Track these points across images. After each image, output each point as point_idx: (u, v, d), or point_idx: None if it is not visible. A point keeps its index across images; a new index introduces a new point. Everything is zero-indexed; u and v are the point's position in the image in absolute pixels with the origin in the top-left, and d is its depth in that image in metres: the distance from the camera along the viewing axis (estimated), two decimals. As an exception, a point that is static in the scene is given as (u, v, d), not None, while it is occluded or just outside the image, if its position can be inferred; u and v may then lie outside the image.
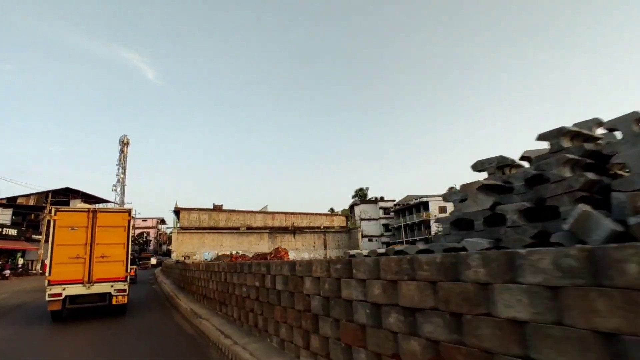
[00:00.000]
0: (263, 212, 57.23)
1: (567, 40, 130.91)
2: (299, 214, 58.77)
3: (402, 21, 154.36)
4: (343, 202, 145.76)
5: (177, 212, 53.06)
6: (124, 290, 11.21)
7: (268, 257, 11.60)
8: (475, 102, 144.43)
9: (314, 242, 58.00)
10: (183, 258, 17.22)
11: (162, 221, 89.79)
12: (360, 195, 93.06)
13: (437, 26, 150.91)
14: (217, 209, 56.48)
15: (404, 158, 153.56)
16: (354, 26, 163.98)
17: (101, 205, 53.76)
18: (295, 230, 55.87)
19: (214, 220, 54.81)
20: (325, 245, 58.46)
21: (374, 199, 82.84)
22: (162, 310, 13.42)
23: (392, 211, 79.89)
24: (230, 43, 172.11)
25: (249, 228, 55.70)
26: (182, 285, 16.02)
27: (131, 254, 12.33)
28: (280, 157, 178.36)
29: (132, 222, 11.96)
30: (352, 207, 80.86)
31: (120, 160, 64.63)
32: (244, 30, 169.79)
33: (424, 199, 67.13)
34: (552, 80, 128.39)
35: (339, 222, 60.33)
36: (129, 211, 12.00)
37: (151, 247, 77.49)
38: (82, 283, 10.68)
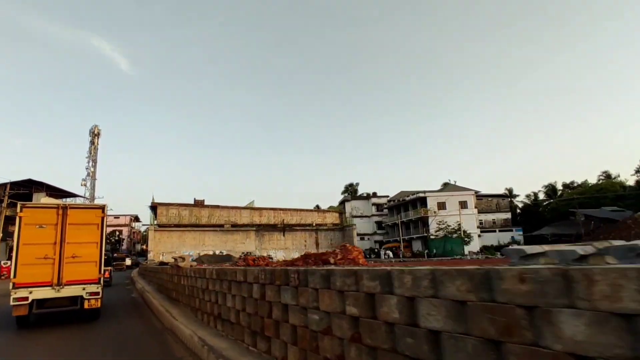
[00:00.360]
0: (249, 207, 53.85)
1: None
2: (289, 210, 55.70)
3: (386, 5, 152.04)
4: (332, 198, 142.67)
5: (154, 207, 49.02)
6: (97, 294, 10.61)
7: (332, 260, 7.45)
8: (470, 95, 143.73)
9: (305, 241, 55.07)
10: (174, 260, 14.11)
11: (136, 219, 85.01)
12: (350, 191, 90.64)
13: (424, 12, 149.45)
14: (199, 204, 52.76)
15: (394, 153, 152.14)
16: (336, 11, 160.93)
17: (69, 200, 49.45)
18: (285, 228, 52.62)
19: (195, 217, 50.96)
20: (317, 244, 55.59)
21: (365, 195, 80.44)
22: (142, 319, 11.75)
23: (386, 208, 77.74)
24: (208, 31, 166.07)
25: (234, 225, 52.18)
26: (173, 297, 12.57)
27: (105, 254, 11.78)
28: (264, 151, 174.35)
29: (105, 219, 11.31)
30: (342, 203, 78.24)
31: (90, 153, 60.99)
32: (222, 18, 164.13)
33: (422, 195, 64.80)
34: (547, 75, 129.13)
35: (331, 219, 57.47)
36: (102, 207, 11.33)
37: (124, 247, 72.77)
38: (50, 285, 10.10)
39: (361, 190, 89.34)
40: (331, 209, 62.37)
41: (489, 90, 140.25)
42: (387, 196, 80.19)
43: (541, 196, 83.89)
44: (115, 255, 51.93)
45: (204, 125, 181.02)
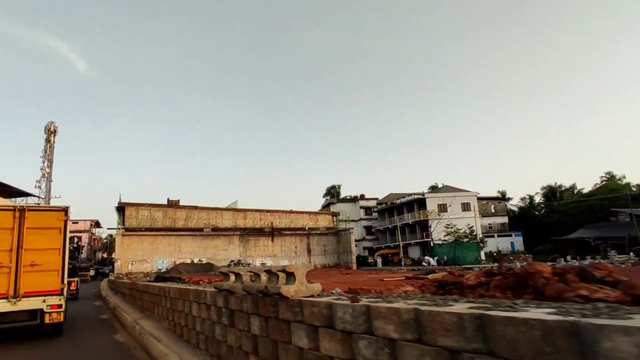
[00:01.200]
0: (232, 209, 47.37)
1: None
2: (277, 212, 49.71)
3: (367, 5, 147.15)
4: (312, 202, 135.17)
5: (121, 208, 41.96)
6: (60, 306, 9.59)
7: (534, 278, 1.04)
8: (455, 96, 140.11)
9: (296, 247, 49.06)
10: (182, 279, 8.57)
11: (97, 224, 76.87)
12: (333, 194, 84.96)
13: (409, 9, 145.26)
14: (174, 205, 46.04)
15: (376, 156, 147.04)
16: (314, 12, 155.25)
17: (21, 201, 41.16)
18: (273, 232, 45.94)
19: (170, 220, 44.05)
20: (309, 251, 49.65)
21: (352, 197, 74.54)
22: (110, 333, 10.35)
23: (376, 211, 72.19)
24: (175, 31, 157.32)
25: (215, 229, 45.73)
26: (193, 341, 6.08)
27: (70, 263, 11.37)
28: (236, 153, 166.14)
29: (69, 223, 10.24)
30: (327, 206, 72.05)
31: (45, 152, 55.41)
32: (188, 17, 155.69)
33: (419, 196, 59.34)
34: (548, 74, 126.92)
35: (324, 222, 51.61)
36: (65, 209, 10.25)
37: (84, 255, 63.97)
38: (6, 298, 9.14)
39: (344, 193, 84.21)
40: (324, 212, 56.16)
41: (474, 91, 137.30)
42: (376, 198, 74.98)
43: (537, 199, 79.73)
44: (80, 265, 44.05)
45: (174, 128, 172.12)
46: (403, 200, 65.47)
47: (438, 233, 54.07)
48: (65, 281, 9.86)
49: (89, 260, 63.00)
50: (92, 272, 51.50)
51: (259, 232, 49.15)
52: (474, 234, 51.36)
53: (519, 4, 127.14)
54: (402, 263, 49.86)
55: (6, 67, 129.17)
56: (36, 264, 9.50)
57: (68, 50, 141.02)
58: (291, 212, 52.29)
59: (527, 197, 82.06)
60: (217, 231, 47.43)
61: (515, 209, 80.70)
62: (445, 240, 52.21)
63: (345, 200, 74.16)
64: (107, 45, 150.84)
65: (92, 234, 75.95)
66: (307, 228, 50.93)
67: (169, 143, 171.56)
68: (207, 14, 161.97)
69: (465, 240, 50.31)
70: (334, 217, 54.81)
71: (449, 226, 52.01)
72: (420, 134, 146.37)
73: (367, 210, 72.50)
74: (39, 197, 47.40)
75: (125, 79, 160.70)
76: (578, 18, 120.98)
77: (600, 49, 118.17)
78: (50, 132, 55.66)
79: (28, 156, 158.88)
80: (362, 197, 74.20)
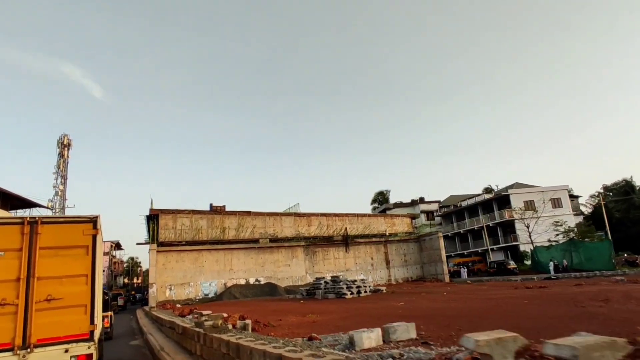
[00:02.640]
0: (293, 214, 35.94)
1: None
2: (348, 215, 39.12)
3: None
4: (358, 208, 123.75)
5: (153, 216, 31.19)
6: (90, 357, 6.63)
7: None
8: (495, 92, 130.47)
9: (372, 258, 37.94)
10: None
11: (117, 245, 65.95)
12: (381, 200, 73.80)
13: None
14: (221, 210, 34.57)
15: (416, 160, 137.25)
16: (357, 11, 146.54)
17: (33, 212, 30.68)
18: (347, 241, 34.83)
19: (217, 230, 33.26)
20: (387, 262, 38.29)
21: (410, 202, 63.49)
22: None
23: (439, 215, 60.93)
24: (198, 54, 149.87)
25: (274, 239, 34.18)
26: None
27: (104, 293, 10.06)
28: (274, 165, 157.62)
29: (99, 238, 7.20)
30: (382, 212, 60.80)
31: (59, 167, 49.70)
32: (201, 40, 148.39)
33: (503, 193, 48.36)
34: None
35: (402, 226, 40.85)
36: (93, 220, 7.14)
37: (104, 281, 52.62)
38: (11, 349, 6.25)
39: (393, 199, 72.30)
40: (400, 214, 44.91)
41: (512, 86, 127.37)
42: (438, 201, 63.66)
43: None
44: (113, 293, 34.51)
45: (199, 149, 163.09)
46: (476, 200, 54.66)
47: (539, 234, 42.94)
48: (97, 320, 6.84)
49: (109, 288, 52.44)
50: (120, 301, 40.92)
51: (327, 241, 38.14)
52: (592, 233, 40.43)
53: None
54: (514, 271, 38.65)
55: (23, 94, 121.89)
56: (54, 297, 6.43)
57: (82, 76, 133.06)
58: (364, 215, 41.37)
59: (600, 193, 71.15)
60: (277, 242, 36.54)
61: (587, 207, 69.84)
62: (554, 241, 41.12)
63: (402, 205, 62.97)
64: (120, 69, 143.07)
65: (113, 256, 65.27)
66: (387, 233, 39.90)
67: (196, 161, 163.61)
68: (220, 34, 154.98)
69: (586, 239, 39.28)
70: (413, 220, 43.76)
71: (558, 223, 41.04)
72: (464, 135, 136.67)
73: (429, 214, 61.53)
74: (46, 208, 36.73)
75: (139, 102, 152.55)
76: None
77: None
78: (64, 145, 50.29)
79: (44, 193, 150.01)
80: (422, 200, 63.27)
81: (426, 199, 66.28)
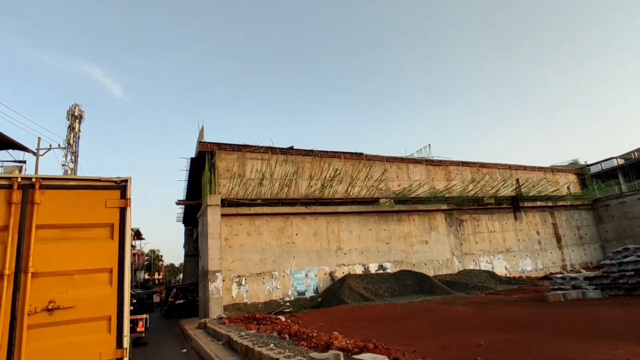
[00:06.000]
0: (425, 161, 20.16)
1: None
2: (495, 166, 22.43)
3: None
4: None
5: (201, 158, 14.67)
6: None
7: None
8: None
9: (537, 232, 21.41)
10: None
11: (137, 234, 51.69)
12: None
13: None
14: (315, 152, 18.51)
15: None
16: None
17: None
18: (518, 203, 19.06)
19: (312, 182, 16.60)
20: (557, 238, 22.06)
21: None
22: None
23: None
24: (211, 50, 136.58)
25: (401, 200, 18.03)
26: None
27: (134, 294, 8.99)
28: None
29: (129, 212, 4.36)
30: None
31: (69, 142, 39.87)
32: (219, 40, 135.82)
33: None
34: None
35: (566, 186, 24.39)
36: (122, 186, 4.40)
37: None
38: None
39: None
40: (564, 169, 29.31)
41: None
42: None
43: None
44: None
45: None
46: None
47: None
48: (127, 341, 4.01)
49: (145, 287, 38.89)
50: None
51: (477, 204, 22.87)
52: None
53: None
54: None
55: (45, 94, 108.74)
56: (60, 306, 3.82)
57: (102, 75, 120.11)
58: (518, 168, 26.02)
59: None
60: (404, 203, 21.30)
61: None
62: None
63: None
64: (141, 69, 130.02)
65: (133, 246, 50.56)
66: (569, 191, 24.56)
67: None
68: (238, 35, 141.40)
69: None
70: (580, 178, 28.31)
71: None
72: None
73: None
74: (41, 156, 21.63)
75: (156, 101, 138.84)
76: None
77: None
78: (75, 117, 41.46)
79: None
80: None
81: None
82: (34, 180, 4.01)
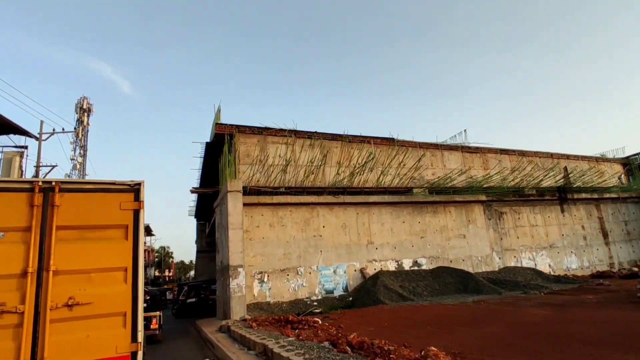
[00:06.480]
0: (460, 147, 18.01)
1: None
2: (536, 154, 20.25)
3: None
4: None
5: (218, 142, 12.74)
6: None
7: None
8: None
9: (582, 227, 19.08)
10: None
11: (147, 230, 50.07)
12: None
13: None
14: (341, 136, 16.43)
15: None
16: None
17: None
18: (565, 194, 16.86)
19: (341, 169, 14.45)
20: (604, 234, 19.75)
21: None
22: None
23: None
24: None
25: (437, 190, 15.85)
26: None
27: (148, 292, 8.93)
28: None
29: (143, 214, 4.69)
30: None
31: (77, 136, 39.12)
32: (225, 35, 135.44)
33: None
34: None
35: (613, 177, 22.05)
36: (135, 189, 4.71)
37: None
38: None
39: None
40: (609, 159, 26.96)
41: None
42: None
43: None
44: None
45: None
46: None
47: None
48: (141, 335, 4.32)
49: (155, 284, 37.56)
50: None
51: (517, 195, 20.79)
52: None
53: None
54: None
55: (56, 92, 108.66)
56: (79, 302, 4.14)
57: (112, 72, 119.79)
58: (560, 156, 23.82)
59: None
60: (440, 194, 19.30)
61: None
62: None
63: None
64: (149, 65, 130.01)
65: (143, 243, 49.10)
66: (620, 182, 22.39)
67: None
68: (246, 32, 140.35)
69: None
70: (626, 168, 26.01)
71: None
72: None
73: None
74: (43, 140, 20.06)
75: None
76: None
77: None
78: (83, 110, 40.68)
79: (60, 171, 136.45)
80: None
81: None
82: (54, 184, 4.31)
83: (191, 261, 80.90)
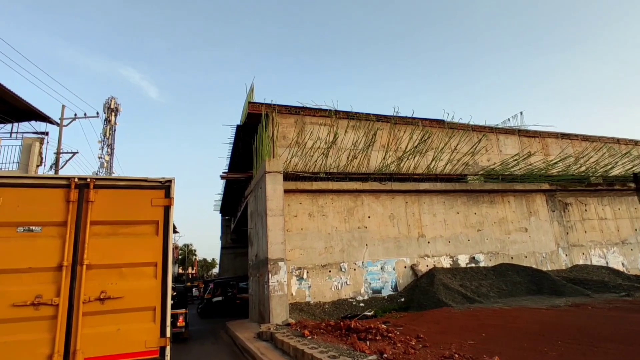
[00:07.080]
0: (517, 131, 15.37)
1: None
2: (600, 139, 17.38)
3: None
4: None
5: (251, 124, 10.68)
6: None
7: None
8: None
9: (633, 220, 16.56)
10: None
11: (173, 227, 48.33)
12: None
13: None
14: (387, 117, 14.01)
15: None
16: None
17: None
18: None
19: (388, 154, 12.05)
20: None
21: None
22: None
23: None
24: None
25: (493, 177, 13.31)
26: None
27: (175, 288, 8.53)
28: None
29: (172, 211, 4.81)
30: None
31: (105, 135, 39.55)
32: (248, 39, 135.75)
33: None
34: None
35: None
36: (166, 186, 4.82)
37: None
38: None
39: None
40: None
41: None
42: None
43: None
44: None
45: None
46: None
47: None
48: (169, 331, 4.38)
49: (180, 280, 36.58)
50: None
51: (582, 184, 18.36)
52: None
53: None
54: None
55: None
56: (110, 296, 4.21)
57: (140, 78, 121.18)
58: (628, 142, 21.22)
59: None
60: (497, 181, 17.04)
61: None
62: None
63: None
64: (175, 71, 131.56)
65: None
66: None
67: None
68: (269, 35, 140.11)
69: None
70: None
71: None
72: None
73: None
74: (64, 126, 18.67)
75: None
76: None
77: None
78: (111, 109, 41.14)
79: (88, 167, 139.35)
80: None
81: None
82: (88, 180, 4.46)
83: (213, 259, 79.97)
